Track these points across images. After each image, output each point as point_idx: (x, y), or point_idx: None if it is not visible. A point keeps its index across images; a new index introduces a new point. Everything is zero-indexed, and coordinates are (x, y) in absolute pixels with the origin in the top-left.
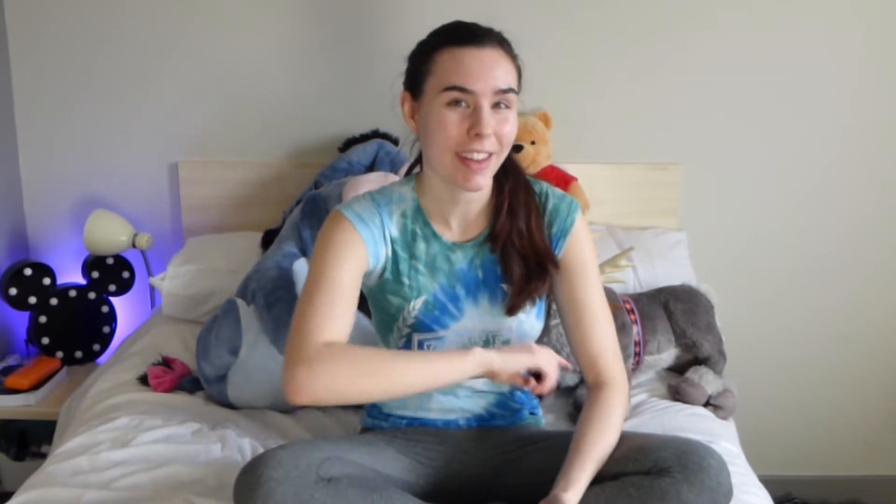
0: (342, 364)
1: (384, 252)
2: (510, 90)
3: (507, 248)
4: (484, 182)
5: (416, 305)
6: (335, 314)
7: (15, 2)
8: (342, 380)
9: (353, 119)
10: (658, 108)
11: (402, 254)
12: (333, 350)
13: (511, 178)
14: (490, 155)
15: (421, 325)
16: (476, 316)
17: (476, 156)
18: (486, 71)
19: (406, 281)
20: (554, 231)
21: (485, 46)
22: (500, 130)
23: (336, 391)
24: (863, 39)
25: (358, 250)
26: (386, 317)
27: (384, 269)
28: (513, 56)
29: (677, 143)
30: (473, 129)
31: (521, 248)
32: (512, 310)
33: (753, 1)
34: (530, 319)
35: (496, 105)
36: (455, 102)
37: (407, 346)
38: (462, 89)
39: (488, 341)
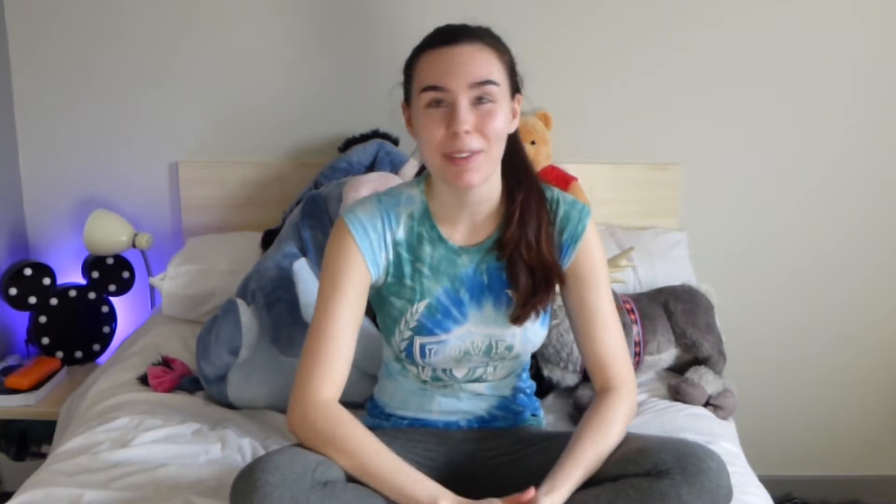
0: (327, 434)
1: (384, 257)
2: (488, 82)
3: (514, 257)
4: (477, 179)
5: (420, 308)
6: (338, 357)
7: (15, 2)
8: (322, 446)
9: (353, 119)
10: (658, 108)
11: (407, 256)
12: (327, 420)
13: (524, 188)
14: (477, 152)
15: (423, 329)
16: (480, 321)
17: (459, 154)
18: (459, 66)
19: (409, 283)
20: (564, 238)
21: (459, 44)
22: (482, 126)
23: (316, 449)
24: (863, 40)
25: (359, 267)
26: (389, 320)
27: (387, 273)
28: (499, 50)
29: (677, 143)
30: (451, 128)
31: (528, 260)
32: (517, 320)
33: (753, 1)
34: (535, 327)
35: (478, 100)
36: (435, 103)
37: (409, 349)
38: (436, 88)
39: (491, 346)
